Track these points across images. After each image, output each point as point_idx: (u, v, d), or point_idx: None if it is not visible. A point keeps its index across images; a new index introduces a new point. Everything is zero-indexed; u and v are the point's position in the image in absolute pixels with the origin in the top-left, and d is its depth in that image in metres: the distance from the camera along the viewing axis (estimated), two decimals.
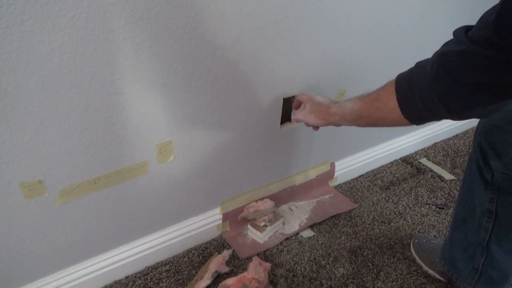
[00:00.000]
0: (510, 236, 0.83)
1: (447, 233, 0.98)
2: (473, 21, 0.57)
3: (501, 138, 0.74)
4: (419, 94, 0.62)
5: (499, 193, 0.79)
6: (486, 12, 0.53)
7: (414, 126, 0.72)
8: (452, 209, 1.29)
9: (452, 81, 0.57)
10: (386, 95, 0.68)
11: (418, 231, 1.20)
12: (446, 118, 0.63)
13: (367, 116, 0.74)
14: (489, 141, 0.77)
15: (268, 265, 1.03)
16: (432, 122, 0.68)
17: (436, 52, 0.61)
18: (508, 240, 0.83)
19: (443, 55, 0.59)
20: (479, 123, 0.81)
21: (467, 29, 0.57)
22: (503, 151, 0.74)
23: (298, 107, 1.01)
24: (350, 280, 1.03)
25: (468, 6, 1.30)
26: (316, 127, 0.92)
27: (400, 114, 0.66)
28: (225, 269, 1.03)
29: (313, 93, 0.93)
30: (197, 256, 1.09)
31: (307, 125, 0.91)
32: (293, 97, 1.09)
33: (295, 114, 0.94)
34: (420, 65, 0.64)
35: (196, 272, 1.03)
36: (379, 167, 1.51)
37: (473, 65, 0.54)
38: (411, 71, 0.66)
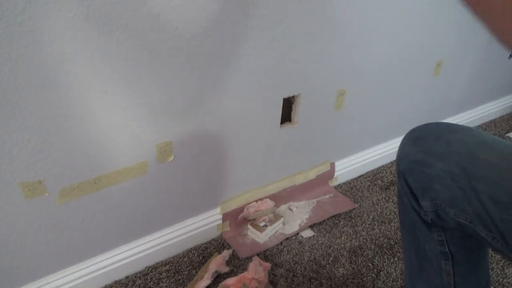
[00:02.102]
0: (473, 272, 0.74)
1: (406, 286, 0.83)
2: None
3: (424, 173, 0.66)
4: None
5: (445, 232, 0.70)
6: None
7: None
8: None
9: None
10: None
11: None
12: None
13: None
14: (413, 179, 0.68)
15: (268, 265, 1.03)
16: None
17: None
18: (473, 275, 0.74)
19: None
20: (397, 163, 0.72)
21: None
22: (428, 186, 0.66)
23: None
24: (350, 280, 1.03)
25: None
26: None
27: None
28: (225, 269, 1.03)
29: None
30: (197, 256, 1.09)
31: None
32: (293, 96, 1.10)
33: None
34: None
35: (196, 272, 1.03)
36: (379, 167, 1.51)
37: None
38: None
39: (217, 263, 1.02)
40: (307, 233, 1.18)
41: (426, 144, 0.67)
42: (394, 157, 1.54)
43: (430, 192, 0.66)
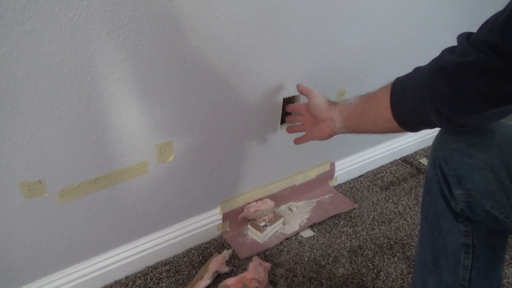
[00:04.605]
0: (489, 272, 0.74)
1: (415, 283, 0.82)
2: (476, 23, 0.56)
3: (463, 163, 0.67)
4: (411, 98, 0.63)
5: (472, 224, 0.71)
6: (490, 17, 0.52)
7: None
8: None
9: (448, 89, 0.57)
10: (382, 94, 0.70)
11: (418, 231, 1.20)
12: (434, 125, 0.63)
13: (360, 113, 0.76)
14: (450, 167, 0.69)
15: (268, 265, 1.03)
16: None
17: (435, 59, 0.61)
18: (489, 274, 0.74)
19: (443, 62, 0.58)
20: (434, 149, 0.73)
21: (468, 35, 0.56)
22: (465, 176, 0.67)
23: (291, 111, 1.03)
24: (350, 280, 1.03)
25: (471, 6, 1.30)
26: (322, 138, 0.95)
27: (391, 114, 0.68)
28: (225, 269, 1.03)
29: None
30: (197, 256, 1.09)
31: (316, 137, 0.96)
32: (293, 97, 1.09)
33: (299, 139, 0.99)
34: (417, 71, 0.65)
35: (196, 272, 1.03)
36: (379, 167, 1.51)
37: (477, 77, 0.53)
38: (408, 75, 0.67)
39: (217, 263, 1.02)
40: (307, 233, 1.18)
41: (469, 135, 0.68)
42: (393, 157, 1.54)
43: (466, 183, 0.67)
